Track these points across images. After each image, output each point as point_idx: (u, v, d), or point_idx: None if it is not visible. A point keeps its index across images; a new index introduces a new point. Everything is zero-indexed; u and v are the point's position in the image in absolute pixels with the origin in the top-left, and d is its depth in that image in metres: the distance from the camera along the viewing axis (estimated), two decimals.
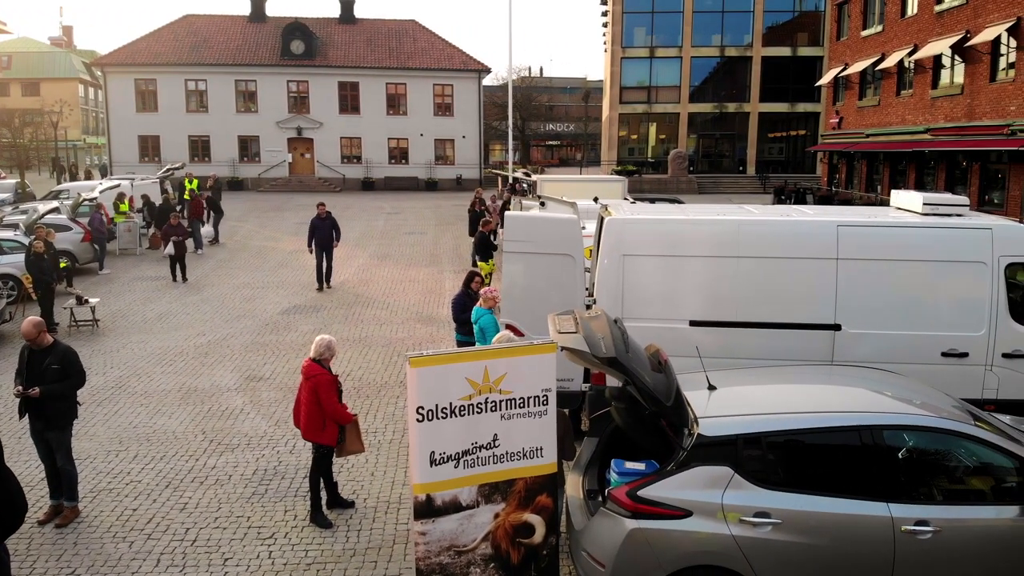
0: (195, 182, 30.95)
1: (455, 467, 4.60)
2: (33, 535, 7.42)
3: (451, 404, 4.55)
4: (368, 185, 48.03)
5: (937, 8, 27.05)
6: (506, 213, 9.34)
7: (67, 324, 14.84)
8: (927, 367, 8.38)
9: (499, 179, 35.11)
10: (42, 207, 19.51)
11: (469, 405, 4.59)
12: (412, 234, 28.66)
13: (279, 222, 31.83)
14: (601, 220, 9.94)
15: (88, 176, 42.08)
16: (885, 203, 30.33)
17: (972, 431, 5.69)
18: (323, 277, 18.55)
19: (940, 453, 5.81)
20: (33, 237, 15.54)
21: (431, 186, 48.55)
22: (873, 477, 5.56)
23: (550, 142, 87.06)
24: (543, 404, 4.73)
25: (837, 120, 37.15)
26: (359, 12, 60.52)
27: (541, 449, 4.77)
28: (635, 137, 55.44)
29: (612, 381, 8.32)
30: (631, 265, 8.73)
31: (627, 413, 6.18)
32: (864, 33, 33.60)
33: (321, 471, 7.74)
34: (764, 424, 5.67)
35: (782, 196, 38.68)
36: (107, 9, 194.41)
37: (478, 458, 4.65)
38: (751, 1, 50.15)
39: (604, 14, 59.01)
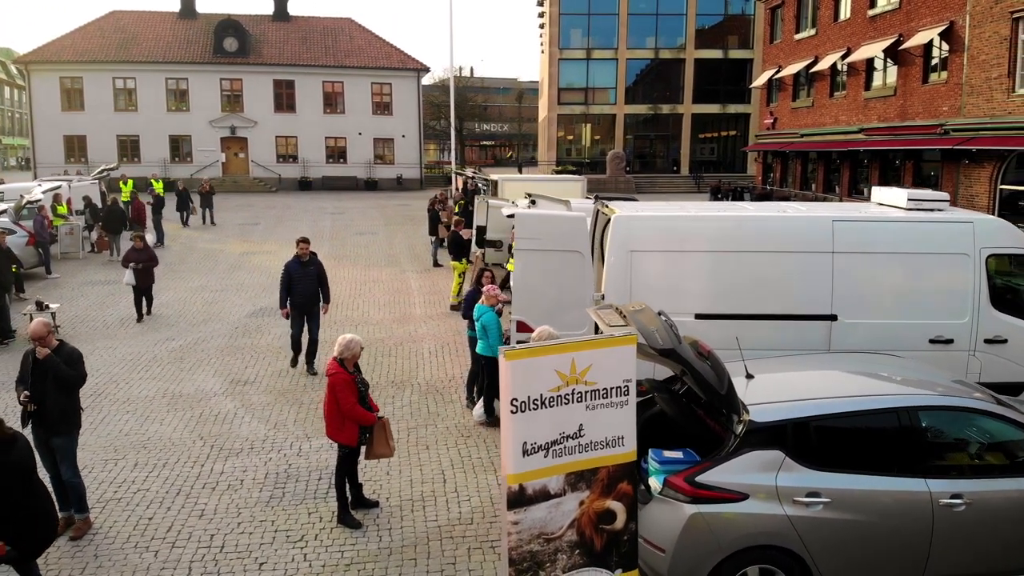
0: (131, 183, 30.04)
1: (544, 457, 4.70)
2: (48, 550, 7.14)
3: (541, 396, 4.64)
4: (305, 185, 47.26)
5: (870, 12, 28.31)
6: (517, 211, 9.44)
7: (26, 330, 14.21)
8: (916, 354, 8.85)
9: (457, 178, 35.08)
10: None
11: (557, 396, 4.69)
12: (363, 235, 28.38)
13: (220, 224, 31.00)
14: (596, 214, 10.18)
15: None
16: (820, 199, 31.46)
17: (998, 410, 6.11)
18: (306, 354, 12.17)
19: (969, 431, 6.20)
20: None
21: (371, 186, 48.12)
22: (912, 455, 5.90)
23: (484, 142, 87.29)
24: (624, 394, 4.87)
25: (771, 120, 38.42)
26: (292, 9, 59.72)
27: (622, 438, 4.91)
28: (571, 138, 56.13)
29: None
30: (638, 261, 8.95)
31: (672, 403, 6.38)
32: (798, 36, 34.87)
33: (344, 471, 7.69)
34: (811, 409, 5.95)
35: (719, 195, 39.81)
36: (24, 5, 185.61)
37: (565, 448, 4.75)
38: (684, 4, 51.42)
39: (541, 15, 59.52)
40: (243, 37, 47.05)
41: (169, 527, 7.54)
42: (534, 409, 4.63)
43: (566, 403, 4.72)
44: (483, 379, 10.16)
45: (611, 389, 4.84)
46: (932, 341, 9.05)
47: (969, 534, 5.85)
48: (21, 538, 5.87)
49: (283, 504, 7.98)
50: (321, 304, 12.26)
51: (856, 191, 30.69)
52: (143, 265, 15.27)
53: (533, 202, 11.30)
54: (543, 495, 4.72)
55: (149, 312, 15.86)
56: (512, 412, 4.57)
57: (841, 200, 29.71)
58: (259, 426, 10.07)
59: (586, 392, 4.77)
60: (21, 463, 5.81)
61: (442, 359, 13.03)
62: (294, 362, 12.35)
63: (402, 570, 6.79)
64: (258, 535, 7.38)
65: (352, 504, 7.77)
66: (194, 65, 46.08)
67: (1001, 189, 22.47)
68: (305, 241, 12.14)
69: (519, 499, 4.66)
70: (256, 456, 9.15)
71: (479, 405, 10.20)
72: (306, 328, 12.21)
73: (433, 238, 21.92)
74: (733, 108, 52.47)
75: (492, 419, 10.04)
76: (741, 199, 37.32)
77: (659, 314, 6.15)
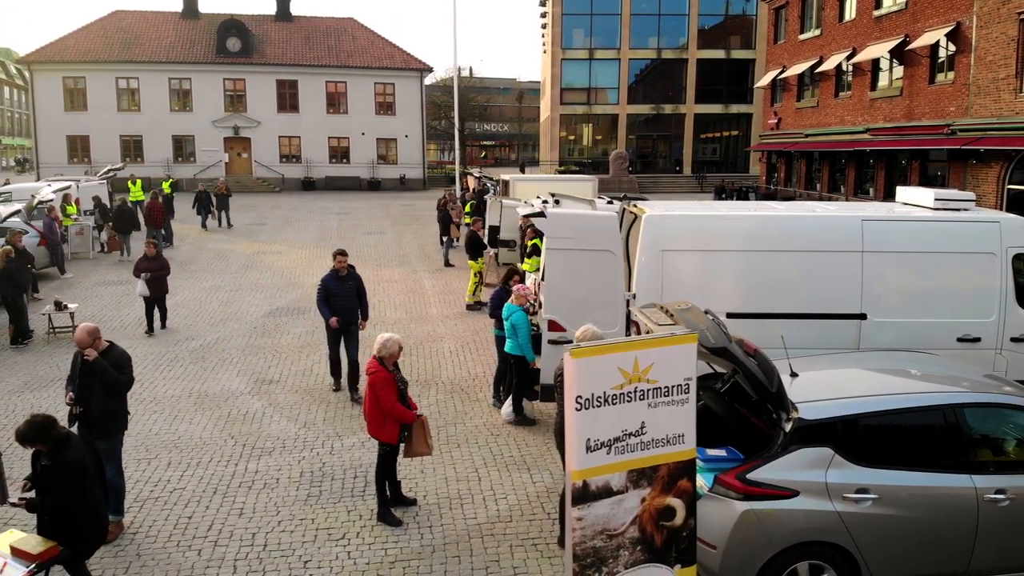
0: (139, 183, 30.13)
1: (607, 453, 4.75)
2: None
3: (605, 393, 4.70)
4: (308, 185, 47.28)
5: (876, 13, 28.40)
6: (548, 210, 9.47)
7: (45, 331, 14.24)
8: (944, 352, 8.93)
9: (469, 178, 35.12)
10: (3, 209, 18.57)
11: (620, 394, 4.74)
12: (371, 234, 28.42)
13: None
14: (622, 214, 10.24)
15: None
16: (826, 199, 31.58)
17: None
18: (348, 378, 11.12)
19: (1011, 427, 6.26)
20: (4, 241, 14.85)
21: (374, 186, 48.13)
22: (957, 451, 5.97)
23: (485, 142, 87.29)
24: (685, 392, 4.92)
25: (776, 120, 38.51)
26: (295, 9, 59.72)
27: (683, 436, 4.96)
28: (573, 138, 56.20)
29: None
30: (669, 260, 9.01)
31: (717, 401, 6.44)
32: (802, 37, 34.95)
33: (385, 469, 7.74)
34: (859, 406, 6.01)
35: (723, 195, 39.93)
36: (26, 5, 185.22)
37: (627, 445, 4.80)
38: (686, 4, 51.49)
39: (543, 15, 59.57)
40: (246, 37, 47.05)
41: (209, 526, 7.58)
42: (598, 406, 4.69)
43: (628, 401, 4.77)
44: (511, 378, 10.21)
45: (672, 387, 4.89)
46: (960, 340, 9.14)
47: (1012, 529, 5.93)
48: (74, 538, 5.91)
49: (321, 502, 8.02)
50: (359, 320, 11.23)
51: (862, 191, 30.81)
52: (152, 275, 14.23)
53: (557, 202, 11.32)
54: (606, 491, 4.77)
55: (164, 326, 14.78)
56: (576, 409, 4.62)
57: (847, 200, 29.80)
58: (289, 425, 10.11)
59: (648, 390, 4.82)
60: (75, 463, 5.85)
61: (463, 358, 13.08)
62: (336, 386, 11.32)
63: (447, 567, 6.84)
64: (299, 533, 7.42)
65: (390, 502, 7.82)
66: (197, 65, 46.08)
67: (1008, 189, 22.57)
68: (343, 254, 11.08)
69: (583, 495, 4.71)
70: (289, 455, 9.19)
71: (507, 404, 10.24)
72: (343, 348, 11.18)
73: (445, 238, 21.95)
74: (735, 108, 52.57)
75: (520, 418, 10.10)
76: (746, 199, 37.45)
77: (706, 312, 6.22)
